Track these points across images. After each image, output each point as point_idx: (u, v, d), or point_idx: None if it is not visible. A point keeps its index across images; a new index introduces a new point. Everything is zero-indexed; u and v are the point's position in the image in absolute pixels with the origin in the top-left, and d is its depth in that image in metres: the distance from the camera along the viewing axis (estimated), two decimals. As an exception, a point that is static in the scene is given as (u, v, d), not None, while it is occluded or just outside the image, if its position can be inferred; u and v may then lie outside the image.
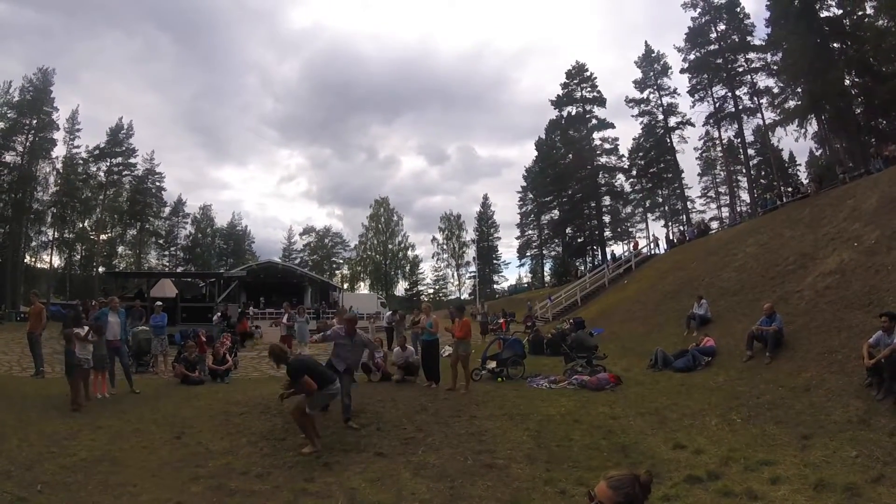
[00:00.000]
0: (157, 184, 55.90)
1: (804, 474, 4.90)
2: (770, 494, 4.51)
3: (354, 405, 7.55)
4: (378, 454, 5.93)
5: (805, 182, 32.90)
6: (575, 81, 52.30)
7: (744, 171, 44.59)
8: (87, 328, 8.99)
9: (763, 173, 45.53)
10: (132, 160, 52.80)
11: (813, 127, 33.24)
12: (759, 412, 7.18)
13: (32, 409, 7.90)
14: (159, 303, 15.01)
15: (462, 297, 61.37)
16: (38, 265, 48.55)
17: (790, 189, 28.33)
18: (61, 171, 46.65)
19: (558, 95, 53.07)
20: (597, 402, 8.40)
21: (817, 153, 39.38)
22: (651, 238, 40.95)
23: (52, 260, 48.86)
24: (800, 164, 48.00)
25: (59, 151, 46.77)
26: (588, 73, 52.02)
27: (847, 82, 30.17)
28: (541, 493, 4.71)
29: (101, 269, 49.29)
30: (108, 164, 51.07)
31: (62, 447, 5.99)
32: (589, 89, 51.99)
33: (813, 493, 4.50)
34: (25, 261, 46.00)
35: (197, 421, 7.52)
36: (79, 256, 52.10)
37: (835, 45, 30.36)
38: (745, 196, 45.61)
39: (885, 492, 4.42)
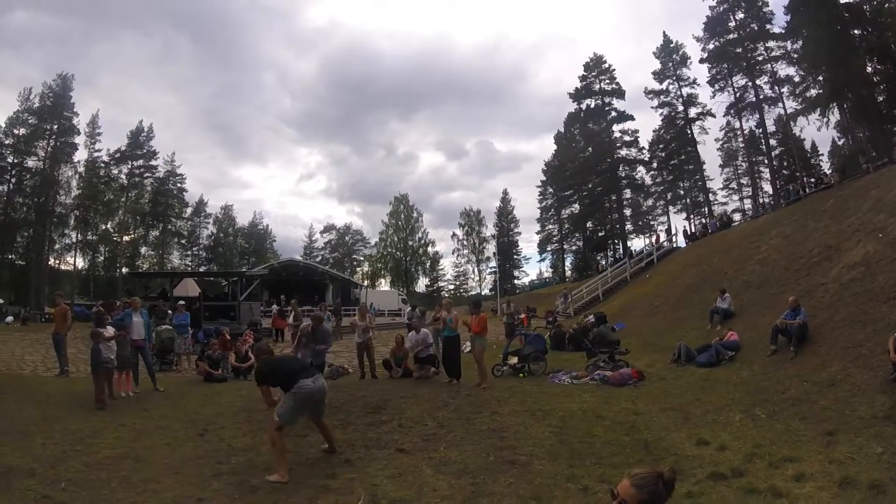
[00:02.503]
0: (179, 185, 57.12)
1: (829, 471, 4.81)
2: (794, 491, 4.43)
3: (376, 401, 7.60)
4: (400, 450, 5.95)
5: (828, 172, 32.09)
6: (593, 74, 51.77)
7: (766, 161, 43.78)
8: (111, 329, 9.15)
9: (785, 164, 44.59)
10: (153, 162, 54.08)
11: (835, 116, 32.64)
12: (783, 407, 7.05)
13: (57, 407, 8.07)
14: (182, 302, 15.28)
15: (482, 293, 61.34)
16: (63, 267, 49.97)
17: (813, 180, 27.68)
18: (83, 174, 47.99)
19: (576, 88, 52.61)
20: (619, 398, 8.34)
21: (840, 143, 38.45)
22: (671, 231, 40.41)
23: (76, 262, 50.40)
24: (822, 155, 47.07)
25: (81, 155, 48.23)
26: (606, 65, 51.50)
27: (869, 70, 29.48)
28: (563, 489, 4.68)
29: (124, 270, 50.35)
30: (129, 166, 52.30)
31: (86, 445, 6.10)
32: (607, 81, 51.49)
33: (838, 490, 4.40)
34: (49, 263, 47.40)
35: (220, 418, 7.61)
36: (102, 258, 53.39)
37: (855, 31, 29.69)
38: (767, 187, 44.79)
39: (910, 488, 4.29)
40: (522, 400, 8.35)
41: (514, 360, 11.34)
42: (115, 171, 51.67)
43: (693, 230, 39.93)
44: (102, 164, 50.43)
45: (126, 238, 53.34)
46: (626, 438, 6.20)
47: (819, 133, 54.75)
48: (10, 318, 29.28)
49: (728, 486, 4.61)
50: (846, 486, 4.44)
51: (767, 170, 44.14)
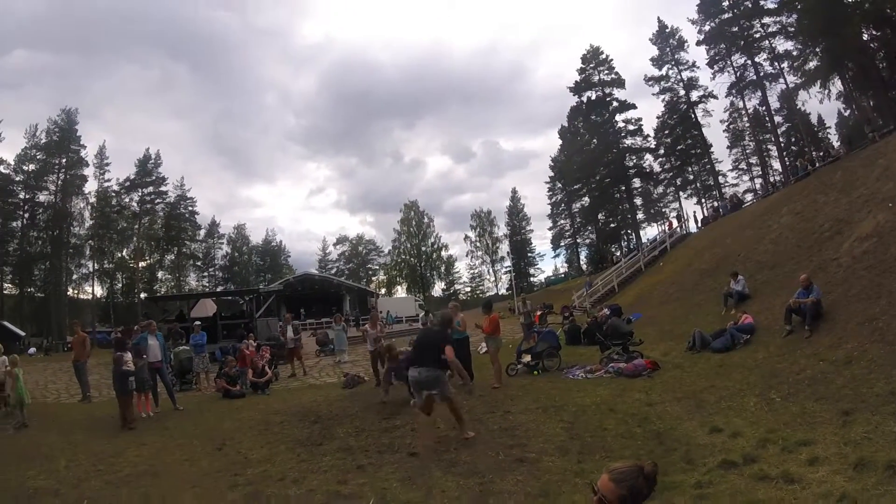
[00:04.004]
0: (190, 208, 58.03)
1: (844, 453, 4.69)
2: (808, 476, 4.33)
3: (391, 407, 7.94)
4: (411, 454, 6.00)
5: (836, 145, 31.52)
6: (591, 65, 51.53)
7: (773, 139, 43.15)
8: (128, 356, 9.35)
9: (793, 139, 43.93)
10: (163, 188, 54.97)
11: (837, 87, 32.12)
12: (798, 389, 6.94)
13: (80, 431, 8.32)
14: (198, 322, 15.49)
15: (499, 293, 61.29)
16: (81, 296, 50.91)
17: (821, 154, 27.19)
18: (95, 204, 48.94)
19: (576, 81, 52.38)
20: (633, 390, 8.29)
21: (846, 114, 37.75)
22: (683, 217, 40.00)
23: (95, 290, 51.16)
24: (829, 127, 46.12)
25: (91, 186, 49.26)
26: (604, 56, 51.25)
27: (866, 37, 28.89)
28: (571, 484, 4.69)
29: (142, 295, 51.06)
30: (139, 193, 53.26)
31: (108, 464, 6.28)
32: (606, 72, 51.24)
33: (853, 473, 4.28)
34: (68, 293, 48.25)
35: (238, 432, 7.76)
36: (120, 284, 54.33)
37: None
38: (777, 165, 44.15)
39: (928, 469, 4.18)
40: (536, 397, 8.36)
41: (527, 357, 11.33)
42: (127, 200, 52.78)
43: (705, 214, 39.57)
44: (113, 194, 51.51)
45: (142, 264, 54.16)
46: (638, 430, 6.18)
47: (825, 105, 53.81)
48: (32, 350, 29.86)
49: (739, 474, 4.54)
50: (861, 468, 4.32)
51: (775, 147, 43.54)
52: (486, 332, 10.26)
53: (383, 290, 61.89)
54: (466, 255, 69.32)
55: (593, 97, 51.88)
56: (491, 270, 68.43)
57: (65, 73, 73.62)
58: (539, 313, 24.81)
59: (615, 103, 50.91)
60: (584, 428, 6.44)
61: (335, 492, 4.95)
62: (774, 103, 41.23)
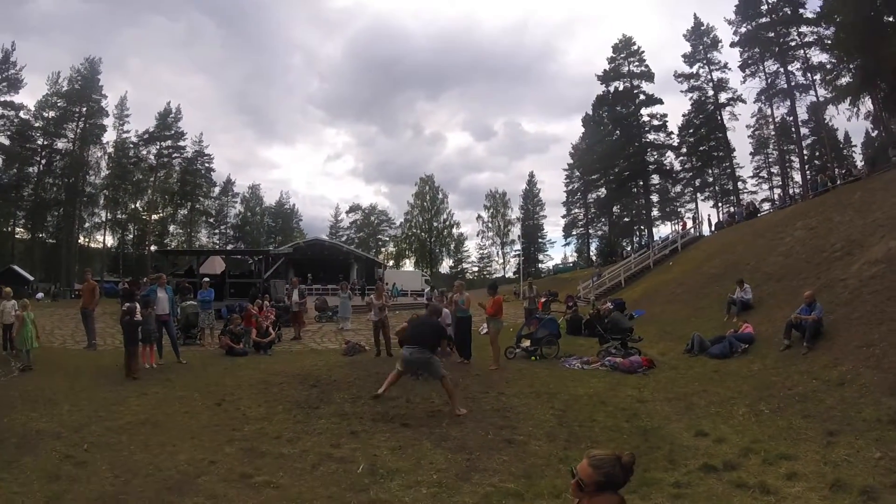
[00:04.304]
0: (207, 165, 58.36)
1: (823, 472, 4.78)
2: (783, 490, 4.42)
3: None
4: (404, 425, 6.20)
5: (859, 164, 31.00)
6: (622, 56, 50.73)
7: (797, 150, 42.49)
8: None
9: (817, 153, 43.27)
10: (181, 143, 55.17)
11: (867, 106, 31.37)
12: (788, 404, 7.02)
13: (84, 377, 8.57)
14: (207, 279, 15.74)
15: (506, 276, 61.49)
16: (92, 245, 51.85)
17: (843, 171, 26.79)
18: (112, 155, 49.36)
19: (605, 70, 51.63)
20: (626, 385, 8.44)
21: (873, 134, 37.05)
22: (698, 219, 39.68)
23: (106, 240, 52.12)
24: (855, 146, 45.39)
25: (110, 136, 49.70)
26: (635, 47, 50.46)
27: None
28: (554, 469, 4.84)
29: (153, 248, 51.80)
30: (157, 147, 53.58)
31: (110, 412, 6.52)
32: (636, 63, 50.44)
33: (828, 492, 4.36)
34: (80, 241, 49.08)
35: (238, 389, 7.99)
36: (131, 236, 55.04)
37: (889, 18, 28.16)
38: (797, 177, 43.56)
39: (902, 498, 4.25)
40: (531, 382, 8.54)
41: (527, 342, 11.47)
42: (144, 152, 53.17)
43: (720, 218, 39.25)
44: (131, 145, 51.88)
45: (155, 217, 54.82)
46: (626, 425, 6.33)
47: (853, 123, 52.88)
48: (40, 295, 30.49)
49: (718, 479, 4.65)
50: (837, 489, 4.39)
51: (798, 159, 42.88)
52: (488, 314, 10.42)
53: (391, 262, 62.24)
54: (477, 235, 69.57)
55: (620, 88, 51.17)
56: (500, 252, 68.70)
57: (92, 21, 73.81)
58: (543, 300, 24.91)
59: (642, 96, 50.22)
60: (573, 417, 6.60)
61: (327, 454, 5.16)
62: (802, 114, 40.68)
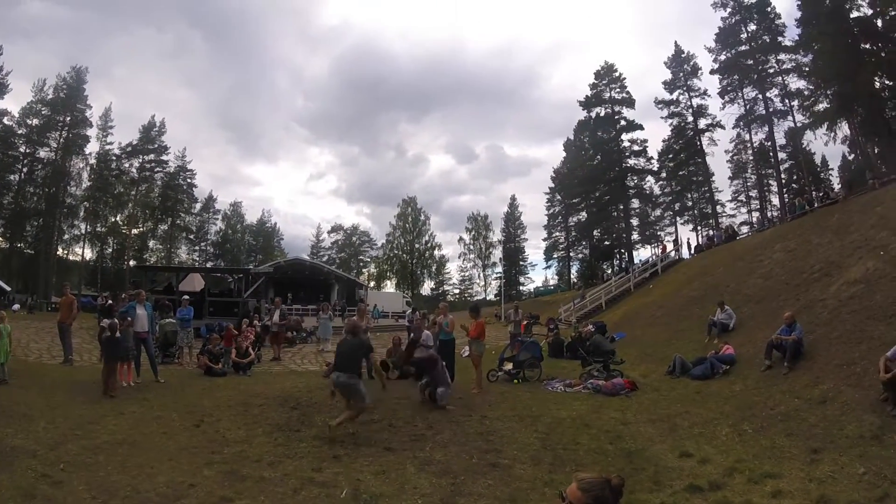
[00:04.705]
0: (189, 180, 57.83)
1: (807, 489, 4.84)
2: None
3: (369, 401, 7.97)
4: (387, 449, 6.09)
5: (836, 187, 31.87)
6: (604, 82, 51.87)
7: (775, 174, 43.52)
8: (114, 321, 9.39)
9: (795, 177, 44.31)
10: (164, 157, 54.68)
11: (843, 131, 32.42)
12: (771, 423, 7.09)
13: (60, 393, 8.32)
14: (186, 296, 15.48)
15: (487, 298, 61.46)
16: (71, 258, 50.63)
17: (821, 194, 27.53)
18: (94, 166, 48.62)
19: (587, 96, 52.72)
20: (609, 407, 8.43)
21: (849, 157, 38.20)
22: (678, 242, 40.26)
23: (85, 253, 50.95)
24: (832, 169, 46.53)
25: (93, 147, 48.93)
26: (617, 74, 51.62)
27: (878, 84, 29.22)
28: (539, 493, 4.79)
29: (132, 263, 50.91)
30: (140, 160, 52.93)
31: (86, 430, 6.32)
32: (618, 90, 51.54)
33: None
34: (58, 253, 47.97)
35: (217, 410, 7.82)
36: (110, 250, 54.10)
37: (865, 46, 29.36)
38: (776, 200, 44.55)
39: (886, 511, 4.33)
40: (513, 405, 8.49)
41: (509, 366, 11.44)
42: (126, 165, 52.41)
43: (699, 241, 39.88)
44: (114, 157, 51.18)
45: (135, 231, 53.96)
46: (610, 447, 6.31)
47: (829, 147, 54.44)
48: (16, 306, 29.61)
49: (703, 500, 4.67)
50: None
51: (776, 183, 43.92)
52: (471, 336, 10.34)
53: (372, 284, 61.88)
54: (459, 257, 69.63)
55: (602, 114, 52.18)
56: (482, 275, 68.70)
57: (80, 29, 73.30)
58: (525, 323, 24.94)
59: (623, 122, 51.22)
60: (557, 440, 6.56)
61: (309, 478, 5.03)
62: (780, 139, 41.68)
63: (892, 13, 28.58)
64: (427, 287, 68.70)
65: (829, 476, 5.15)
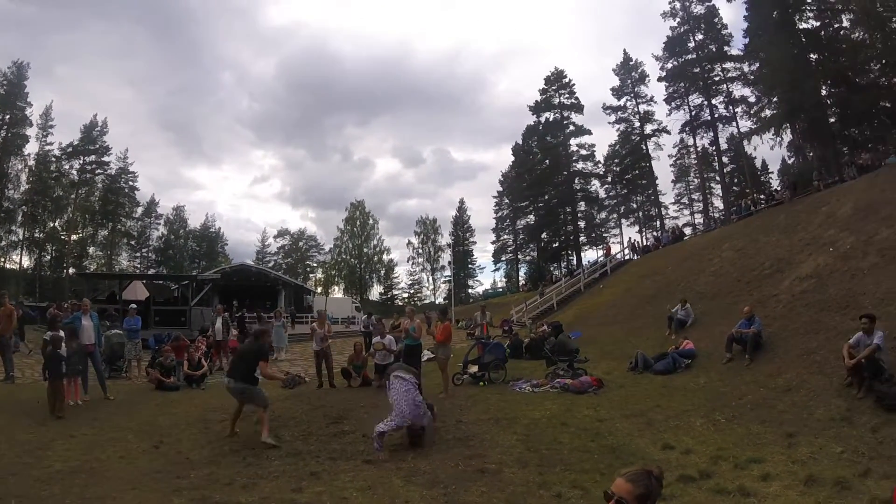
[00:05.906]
0: (130, 183, 55.24)
1: (793, 470, 5.01)
2: (762, 491, 4.60)
3: (337, 411, 7.79)
4: (366, 462, 5.78)
5: (778, 189, 33.60)
6: (553, 88, 52.82)
7: (717, 178, 45.52)
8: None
9: (736, 181, 46.51)
10: (105, 158, 51.85)
11: (788, 136, 34.15)
12: (742, 412, 7.30)
13: (2, 416, 7.58)
14: (133, 305, 14.56)
15: (436, 301, 61.41)
16: (8, 265, 46.95)
17: (763, 196, 28.97)
18: (33, 168, 45.50)
19: (536, 101, 53.65)
20: (581, 405, 8.43)
21: (790, 161, 40.40)
22: (632, 243, 41.41)
23: (22, 260, 47.49)
24: (772, 172, 49.18)
25: (32, 148, 45.82)
26: (566, 80, 52.62)
27: (823, 92, 30.92)
28: (536, 496, 4.66)
29: (71, 271, 47.93)
30: (80, 161, 50.03)
31: (36, 457, 5.73)
32: (567, 96, 52.62)
33: (804, 487, 4.60)
34: (-6, 261, 44.39)
35: (175, 429, 7.33)
36: (49, 257, 50.43)
37: (812, 56, 31.03)
38: (718, 203, 46.61)
39: (873, 484, 4.55)
40: (485, 408, 8.38)
41: (474, 368, 11.34)
42: (66, 167, 49.31)
43: (645, 243, 41.15)
44: (53, 159, 48.06)
45: (74, 237, 50.71)
46: (593, 444, 6.27)
47: (770, 152, 57.56)
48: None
49: (698, 488, 4.71)
50: (812, 483, 4.65)
51: (719, 186, 45.93)
52: (438, 340, 10.17)
53: (320, 289, 60.63)
54: (407, 261, 69.19)
55: (551, 119, 53.23)
56: (430, 278, 68.65)
57: (23, 24, 68.44)
58: (485, 323, 24.88)
59: (571, 127, 52.34)
60: (539, 441, 6.47)
61: (291, 500, 4.63)
62: (724, 144, 43.54)
63: (837, 25, 30.50)
64: (375, 292, 68.15)
65: (809, 457, 5.36)
